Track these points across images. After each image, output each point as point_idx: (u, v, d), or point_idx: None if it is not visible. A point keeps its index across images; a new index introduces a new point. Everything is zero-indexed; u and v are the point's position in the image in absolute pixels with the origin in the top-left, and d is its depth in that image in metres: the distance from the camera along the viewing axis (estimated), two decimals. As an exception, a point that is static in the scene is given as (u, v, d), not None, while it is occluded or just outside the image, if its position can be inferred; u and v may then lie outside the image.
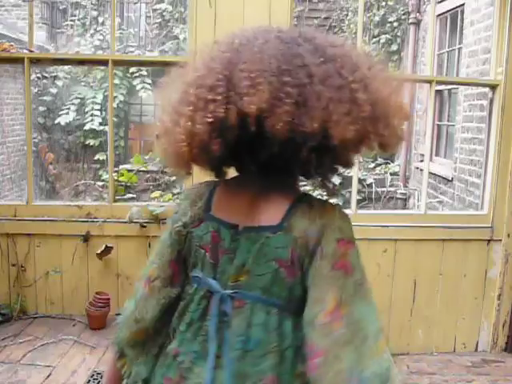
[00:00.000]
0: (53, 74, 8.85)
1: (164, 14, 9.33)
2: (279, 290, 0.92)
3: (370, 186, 7.19)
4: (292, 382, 0.91)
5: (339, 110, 0.83)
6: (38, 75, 8.56)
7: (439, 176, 6.05)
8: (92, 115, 8.54)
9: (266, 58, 0.85)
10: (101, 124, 8.54)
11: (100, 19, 9.37)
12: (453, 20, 6.14)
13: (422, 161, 6.86)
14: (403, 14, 8.27)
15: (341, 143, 0.85)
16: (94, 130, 8.55)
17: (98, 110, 8.57)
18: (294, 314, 0.92)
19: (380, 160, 8.32)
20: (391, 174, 7.71)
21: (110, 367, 1.10)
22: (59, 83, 8.80)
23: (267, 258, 0.91)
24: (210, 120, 0.84)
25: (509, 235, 3.19)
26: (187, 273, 1.02)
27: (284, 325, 0.92)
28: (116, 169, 5.73)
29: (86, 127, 8.51)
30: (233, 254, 0.94)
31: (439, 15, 6.34)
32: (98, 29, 9.32)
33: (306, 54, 0.86)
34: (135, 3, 9.77)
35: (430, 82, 3.22)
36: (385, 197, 7.27)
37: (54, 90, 8.81)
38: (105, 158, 8.41)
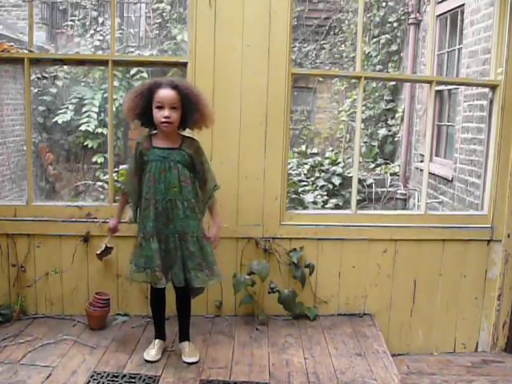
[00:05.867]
0: (53, 74, 8.84)
1: (164, 14, 9.33)
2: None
3: (369, 186, 7.19)
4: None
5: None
6: (38, 75, 8.56)
7: (439, 176, 6.04)
8: (89, 116, 8.52)
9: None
10: (100, 125, 8.53)
11: (100, 19, 9.38)
12: (453, 20, 6.13)
13: (421, 161, 6.86)
14: (403, 15, 8.27)
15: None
16: (94, 131, 8.53)
17: (95, 112, 8.55)
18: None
19: (380, 160, 8.32)
20: (391, 175, 7.71)
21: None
22: (59, 83, 8.80)
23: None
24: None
25: (509, 235, 3.20)
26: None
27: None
28: (116, 169, 5.73)
29: (83, 128, 8.49)
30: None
31: (439, 15, 6.34)
32: (97, 29, 9.32)
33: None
34: (135, 3, 9.78)
35: (430, 82, 3.22)
36: (385, 197, 7.27)
37: (53, 90, 8.81)
38: (103, 159, 8.42)
